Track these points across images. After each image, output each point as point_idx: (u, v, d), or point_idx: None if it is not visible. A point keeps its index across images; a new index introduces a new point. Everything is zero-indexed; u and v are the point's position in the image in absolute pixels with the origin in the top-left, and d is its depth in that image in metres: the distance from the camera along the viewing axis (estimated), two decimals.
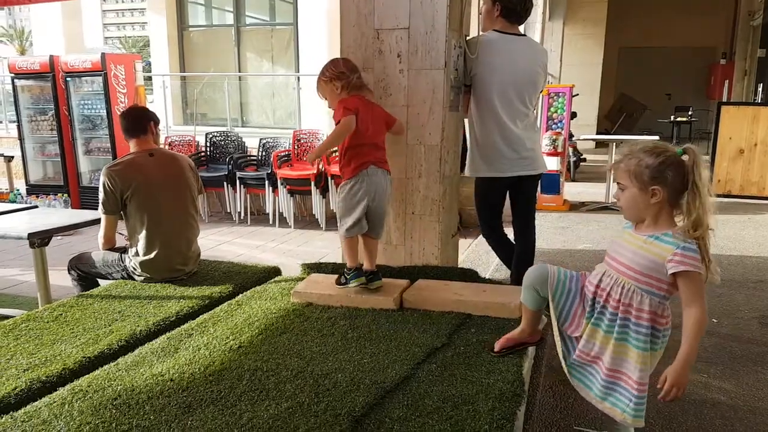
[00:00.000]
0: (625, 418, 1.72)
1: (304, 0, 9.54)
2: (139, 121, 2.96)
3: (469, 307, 2.41)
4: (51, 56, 6.68)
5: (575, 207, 6.62)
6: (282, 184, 6.22)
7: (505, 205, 3.13)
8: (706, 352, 2.92)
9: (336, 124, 2.44)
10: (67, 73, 6.61)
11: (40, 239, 3.04)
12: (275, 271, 3.15)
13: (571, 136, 7.37)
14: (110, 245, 3.01)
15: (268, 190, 6.39)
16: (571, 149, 7.94)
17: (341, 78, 2.48)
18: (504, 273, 3.93)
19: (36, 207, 3.89)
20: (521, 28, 3.00)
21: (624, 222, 1.86)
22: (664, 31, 13.79)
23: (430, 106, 2.67)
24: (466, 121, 3.08)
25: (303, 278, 2.84)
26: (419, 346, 2.08)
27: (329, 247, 5.34)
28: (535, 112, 3.07)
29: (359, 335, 2.20)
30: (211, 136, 7.20)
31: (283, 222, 6.34)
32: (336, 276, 2.66)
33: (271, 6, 11.00)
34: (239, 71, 10.67)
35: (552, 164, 6.30)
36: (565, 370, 1.89)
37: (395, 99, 2.73)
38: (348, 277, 2.56)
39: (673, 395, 1.61)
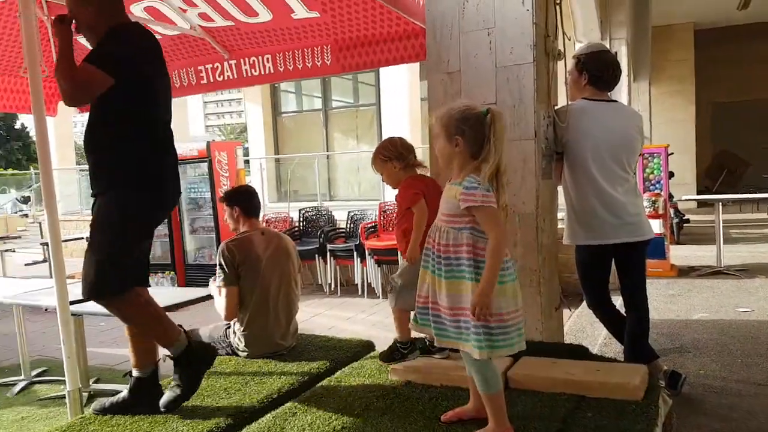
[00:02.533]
0: (472, 351, 1.83)
1: (386, 82, 10.02)
2: (257, 204, 3.22)
3: (582, 387, 2.24)
4: None
5: (684, 272, 6.18)
6: (370, 254, 6.32)
7: (611, 272, 2.99)
8: None
9: (399, 202, 2.53)
10: None
11: None
12: (369, 346, 3.15)
13: (671, 196, 7.03)
14: (233, 316, 3.09)
15: (357, 261, 6.50)
16: (672, 210, 7.54)
17: (400, 158, 2.54)
18: (615, 347, 3.68)
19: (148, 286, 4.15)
20: (609, 94, 2.97)
21: None
22: (758, 84, 13.08)
23: (522, 175, 2.65)
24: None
25: None
26: (533, 431, 1.97)
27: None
28: (634, 176, 2.97)
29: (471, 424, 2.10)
30: (303, 211, 7.51)
31: (371, 292, 6.38)
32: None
33: (355, 89, 11.61)
34: (327, 150, 11.20)
35: (654, 227, 5.98)
36: (412, 321, 2.04)
37: None
38: (404, 351, 2.52)
39: (478, 314, 1.78)
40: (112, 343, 5.10)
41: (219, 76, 4.39)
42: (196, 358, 2.37)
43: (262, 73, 4.24)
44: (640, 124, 3.01)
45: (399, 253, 2.65)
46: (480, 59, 2.65)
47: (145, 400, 2.38)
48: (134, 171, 2.23)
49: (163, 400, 2.35)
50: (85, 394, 3.55)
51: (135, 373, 2.43)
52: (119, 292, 2.26)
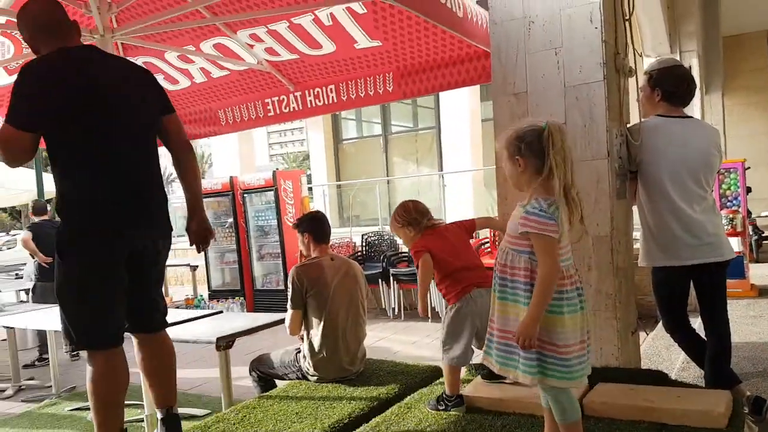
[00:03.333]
0: (517, 375, 1.82)
1: (445, 105, 10.04)
2: (327, 231, 3.28)
3: (663, 415, 2.14)
4: (231, 177, 7.62)
5: (765, 292, 5.81)
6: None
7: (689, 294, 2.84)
8: None
9: (416, 265, 2.57)
10: (244, 190, 7.46)
11: (225, 343, 3.30)
12: (438, 372, 3.11)
13: (749, 213, 6.65)
14: (294, 334, 3.17)
15: (419, 285, 6.44)
16: (750, 227, 7.13)
17: (413, 223, 2.61)
18: (693, 371, 3.50)
19: (221, 312, 4.28)
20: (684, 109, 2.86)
21: None
22: None
23: (595, 196, 2.58)
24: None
25: (469, 380, 2.76)
26: None
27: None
28: (712, 194, 2.83)
29: None
30: (366, 236, 7.57)
31: (435, 317, 6.31)
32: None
33: (414, 114, 11.71)
34: (387, 175, 11.31)
35: (733, 245, 5.66)
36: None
37: None
38: (449, 404, 2.47)
39: (521, 343, 1.75)
40: (186, 366, 5.27)
41: (285, 108, 4.54)
42: None
43: (326, 102, 4.36)
44: (718, 140, 2.88)
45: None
46: (548, 79, 2.62)
47: None
48: (82, 214, 2.07)
49: None
50: None
51: None
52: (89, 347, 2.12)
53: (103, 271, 2.07)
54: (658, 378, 2.52)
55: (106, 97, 2.09)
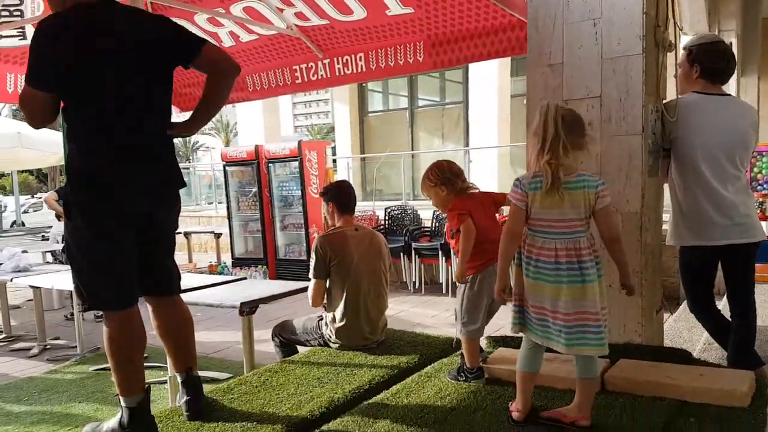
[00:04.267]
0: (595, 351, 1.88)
1: (474, 79, 9.88)
2: (353, 201, 3.26)
3: (685, 393, 2.13)
4: (256, 146, 7.64)
5: None
6: (455, 253, 6.25)
7: (716, 276, 2.80)
8: None
9: (454, 229, 2.48)
10: (269, 159, 7.49)
11: (249, 308, 3.35)
12: (458, 343, 3.12)
13: None
14: (317, 306, 3.20)
15: (442, 260, 6.46)
16: None
17: (446, 183, 2.52)
18: (715, 353, 3.46)
19: (245, 279, 4.34)
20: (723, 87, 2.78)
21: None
22: None
23: (627, 172, 2.53)
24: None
25: (490, 352, 2.77)
26: None
27: (504, 318, 5.18)
28: (746, 175, 2.76)
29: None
30: (389, 210, 7.58)
31: (455, 292, 6.32)
32: None
33: (442, 88, 11.56)
34: (412, 149, 11.22)
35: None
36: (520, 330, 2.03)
37: (586, 166, 2.62)
38: (469, 376, 2.47)
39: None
40: (207, 331, 5.38)
41: (313, 76, 4.50)
42: (143, 425, 2.12)
43: (355, 71, 4.31)
44: (756, 118, 2.80)
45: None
46: (585, 51, 2.55)
47: None
48: (81, 178, 2.05)
49: (103, 426, 2.18)
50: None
51: (123, 402, 2.13)
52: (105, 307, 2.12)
53: (108, 230, 2.04)
54: (681, 356, 2.50)
55: (118, 58, 2.01)
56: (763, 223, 5.46)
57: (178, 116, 2.65)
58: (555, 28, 2.60)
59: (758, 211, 5.56)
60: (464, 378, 2.48)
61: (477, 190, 2.62)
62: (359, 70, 4.27)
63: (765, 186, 5.84)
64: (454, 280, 2.54)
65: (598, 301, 1.86)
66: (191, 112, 2.23)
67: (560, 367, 2.33)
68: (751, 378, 2.19)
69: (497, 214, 2.66)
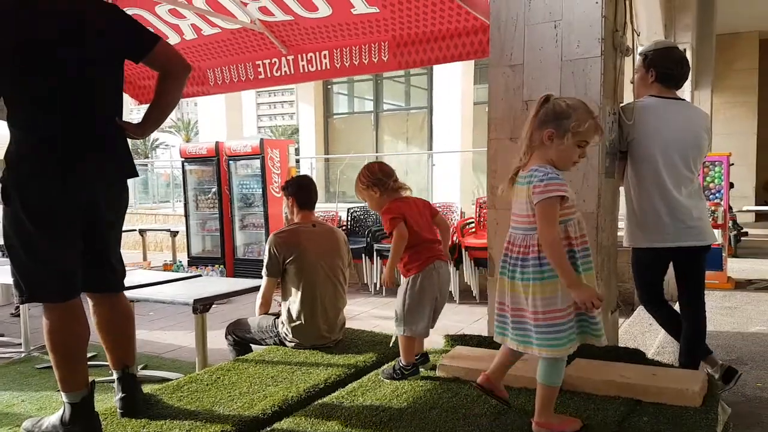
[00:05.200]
0: (536, 351, 1.83)
1: (439, 86, 9.99)
2: (314, 196, 3.23)
3: (638, 392, 2.16)
4: (217, 142, 7.49)
5: (741, 285, 5.91)
6: None
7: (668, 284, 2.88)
8: None
9: (387, 231, 2.51)
10: (229, 156, 7.35)
11: (202, 306, 3.26)
12: (396, 343, 3.11)
13: (730, 208, 6.72)
14: (267, 307, 3.17)
15: None
16: (731, 222, 7.21)
17: (378, 184, 2.54)
18: (668, 356, 3.55)
19: (200, 275, 4.23)
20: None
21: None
22: None
23: (584, 172, 2.56)
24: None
25: (447, 350, 2.76)
26: None
27: (464, 321, 5.21)
28: (698, 178, 2.84)
29: (513, 418, 2.05)
30: (352, 210, 7.53)
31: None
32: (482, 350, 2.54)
33: (407, 93, 11.63)
34: (377, 152, 11.23)
35: None
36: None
37: None
38: (406, 373, 2.48)
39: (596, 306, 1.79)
40: (160, 331, 5.23)
41: (276, 72, 4.45)
42: (86, 421, 2.03)
43: (319, 68, 4.28)
44: (708, 124, 2.89)
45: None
46: (545, 52, 2.58)
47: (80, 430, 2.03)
48: (23, 163, 1.96)
49: (44, 421, 2.11)
50: None
51: (65, 398, 2.05)
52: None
53: (50, 217, 1.95)
54: (635, 356, 2.54)
55: (54, 31, 1.94)
56: (715, 231, 5.72)
57: (136, 108, 2.56)
58: (516, 29, 2.63)
59: (710, 219, 5.74)
60: (400, 375, 2.48)
61: (409, 191, 2.65)
62: (323, 68, 4.24)
63: (717, 195, 6.05)
64: (381, 284, 2.55)
65: (530, 300, 1.83)
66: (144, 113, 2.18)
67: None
68: (703, 378, 2.24)
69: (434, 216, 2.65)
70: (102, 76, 2.07)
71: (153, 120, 2.17)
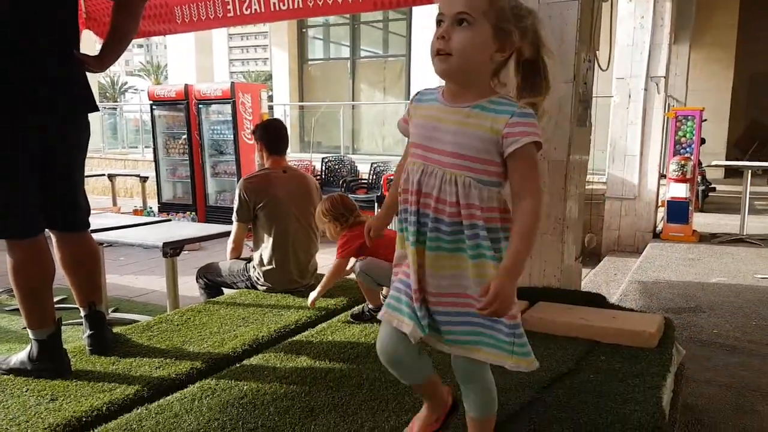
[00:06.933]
0: (511, 363, 1.29)
1: (418, 32, 9.78)
2: (284, 141, 3.17)
3: (597, 333, 2.24)
4: (186, 85, 7.29)
5: (705, 238, 6.10)
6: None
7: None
8: None
9: (338, 258, 2.59)
10: (199, 100, 7.16)
11: (172, 249, 3.23)
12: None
13: (699, 163, 6.85)
14: (238, 252, 3.16)
15: (377, 211, 6.47)
16: (699, 177, 7.36)
17: (339, 219, 2.63)
18: (628, 304, 3.67)
19: (169, 220, 4.18)
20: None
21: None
22: None
23: (556, 120, 2.57)
24: None
25: None
26: (544, 370, 1.95)
27: None
28: None
29: None
30: (326, 160, 7.48)
31: None
32: None
33: (385, 40, 11.37)
34: (353, 101, 11.05)
35: (680, 191, 5.86)
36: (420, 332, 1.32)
37: None
38: (374, 314, 2.52)
39: (494, 309, 1.19)
40: (132, 275, 5.20)
41: (246, 10, 4.26)
42: (53, 357, 2.02)
43: (291, 7, 4.10)
44: None
45: None
46: None
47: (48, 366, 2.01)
48: None
49: (11, 358, 2.07)
50: None
51: (32, 335, 2.03)
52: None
53: (2, 148, 1.88)
54: (597, 301, 2.62)
55: None
56: (683, 185, 5.84)
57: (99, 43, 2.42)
58: None
59: (679, 173, 5.85)
60: (368, 317, 2.54)
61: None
62: (296, 6, 4.06)
63: (687, 149, 6.14)
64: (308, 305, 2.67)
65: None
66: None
67: None
68: (659, 321, 2.33)
69: None
70: (53, 8, 1.97)
71: (111, 52, 2.12)
